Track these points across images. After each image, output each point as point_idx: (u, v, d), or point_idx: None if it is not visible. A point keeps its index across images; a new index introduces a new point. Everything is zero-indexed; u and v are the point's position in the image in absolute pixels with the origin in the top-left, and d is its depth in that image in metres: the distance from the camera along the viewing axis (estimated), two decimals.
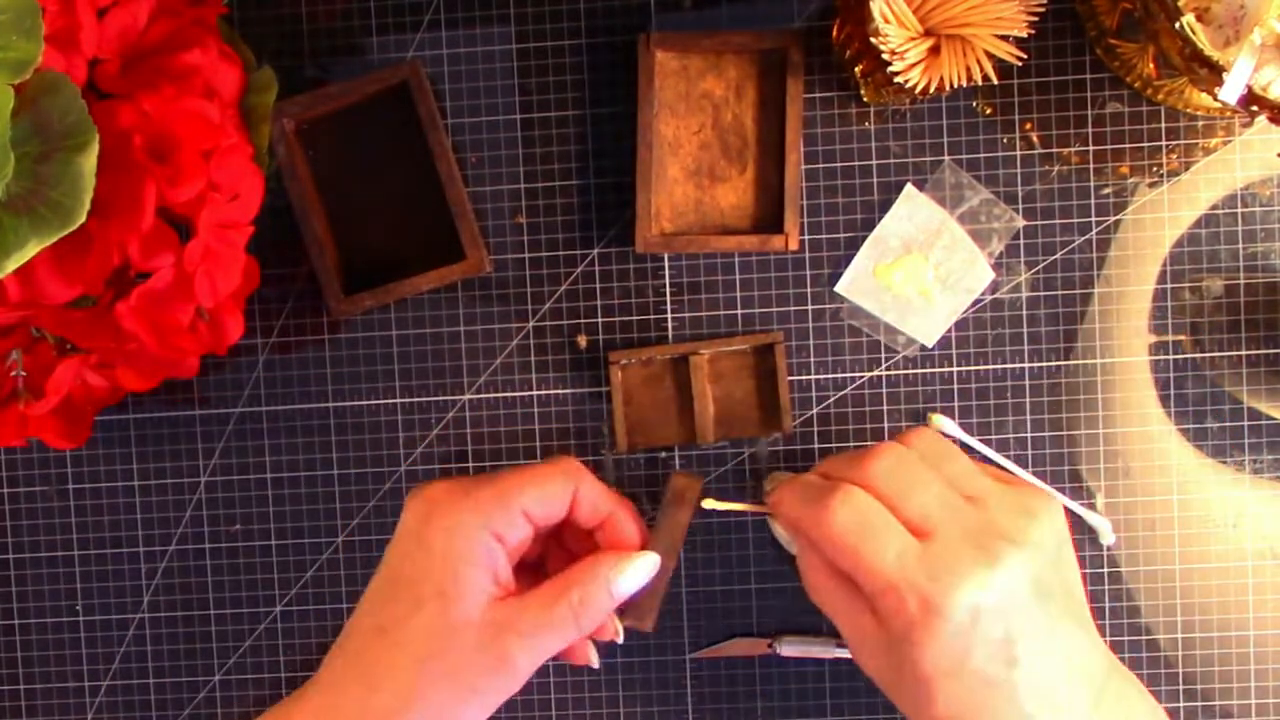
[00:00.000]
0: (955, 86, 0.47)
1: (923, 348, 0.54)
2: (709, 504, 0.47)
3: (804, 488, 0.45)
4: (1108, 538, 0.53)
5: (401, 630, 0.42)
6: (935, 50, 0.47)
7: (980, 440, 0.53)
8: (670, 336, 0.54)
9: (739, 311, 0.54)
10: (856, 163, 0.53)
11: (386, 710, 0.41)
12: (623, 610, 0.46)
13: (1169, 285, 0.53)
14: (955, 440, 0.53)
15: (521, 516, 0.43)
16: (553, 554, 0.49)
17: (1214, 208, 0.53)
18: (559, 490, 0.44)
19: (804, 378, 0.54)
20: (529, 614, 0.42)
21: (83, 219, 0.40)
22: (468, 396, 0.55)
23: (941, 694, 0.41)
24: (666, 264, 0.54)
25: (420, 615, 0.41)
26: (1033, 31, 0.47)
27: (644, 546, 0.46)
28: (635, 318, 0.54)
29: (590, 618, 0.43)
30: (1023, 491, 0.45)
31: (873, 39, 0.46)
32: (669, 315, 0.54)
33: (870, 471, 0.43)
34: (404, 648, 0.41)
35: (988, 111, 0.53)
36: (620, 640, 0.47)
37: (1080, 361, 0.53)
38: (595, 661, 0.47)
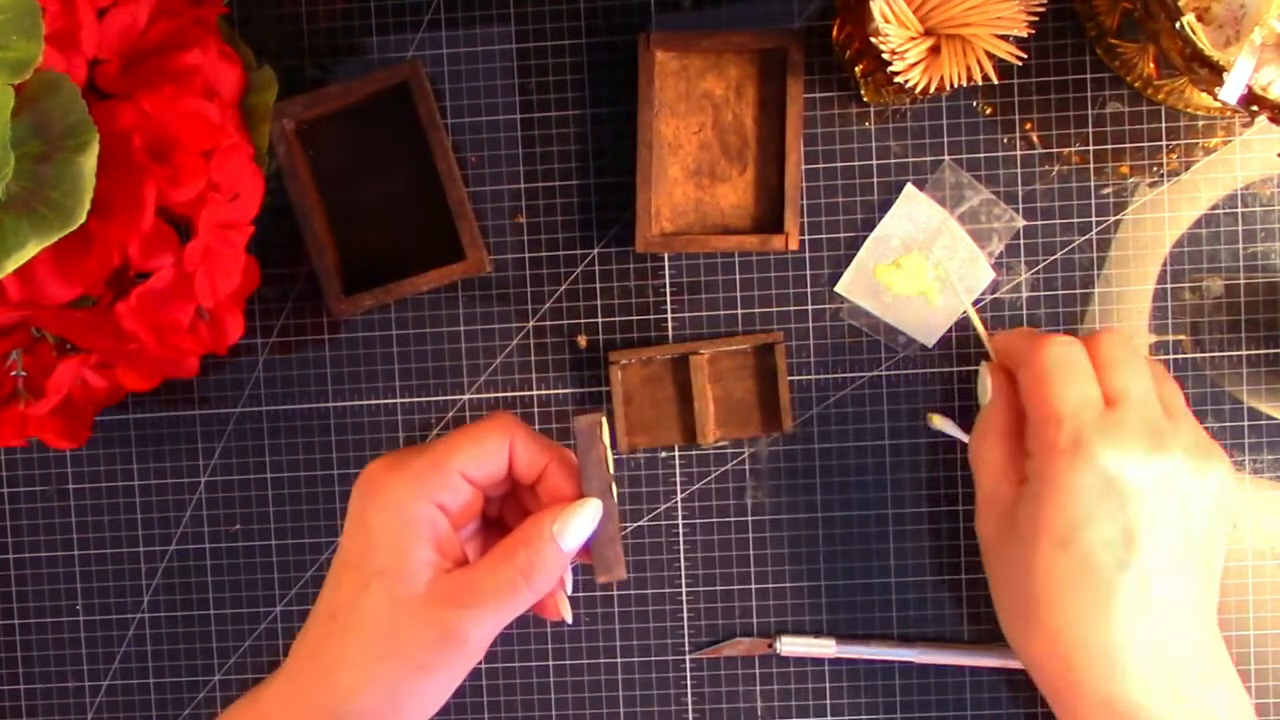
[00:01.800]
0: (955, 86, 0.47)
1: (923, 348, 0.54)
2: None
3: (1021, 337, 0.48)
4: None
5: (350, 614, 0.42)
6: (935, 50, 0.47)
7: None
8: (670, 336, 0.54)
9: (739, 311, 0.54)
10: (856, 163, 0.53)
11: (343, 693, 0.41)
12: (593, 569, 0.45)
13: (1169, 285, 0.53)
14: (955, 440, 0.53)
15: (460, 480, 0.43)
16: (510, 514, 0.48)
17: (1214, 208, 0.53)
18: (493, 448, 0.43)
19: (804, 378, 0.54)
20: (477, 584, 0.41)
21: (83, 219, 0.40)
22: (468, 396, 0.55)
23: (1042, 560, 0.42)
24: (666, 264, 0.54)
25: (365, 596, 0.41)
26: (1033, 31, 0.47)
27: (580, 495, 0.44)
28: (635, 318, 0.54)
29: (542, 578, 0.42)
30: (1215, 446, 0.46)
31: (873, 39, 0.46)
32: (669, 315, 0.54)
33: (1098, 340, 0.46)
34: (354, 630, 0.41)
35: (988, 111, 0.53)
36: (569, 590, 0.46)
37: None
38: (569, 615, 0.46)
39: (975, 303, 0.53)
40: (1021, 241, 0.53)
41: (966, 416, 0.53)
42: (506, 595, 0.41)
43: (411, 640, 0.41)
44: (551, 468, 0.44)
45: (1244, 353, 0.53)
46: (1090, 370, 0.45)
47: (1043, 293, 0.53)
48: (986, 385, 0.49)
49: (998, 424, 0.47)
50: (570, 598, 0.54)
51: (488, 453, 0.43)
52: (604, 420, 0.44)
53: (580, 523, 0.43)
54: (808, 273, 0.54)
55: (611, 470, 0.44)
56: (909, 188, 0.53)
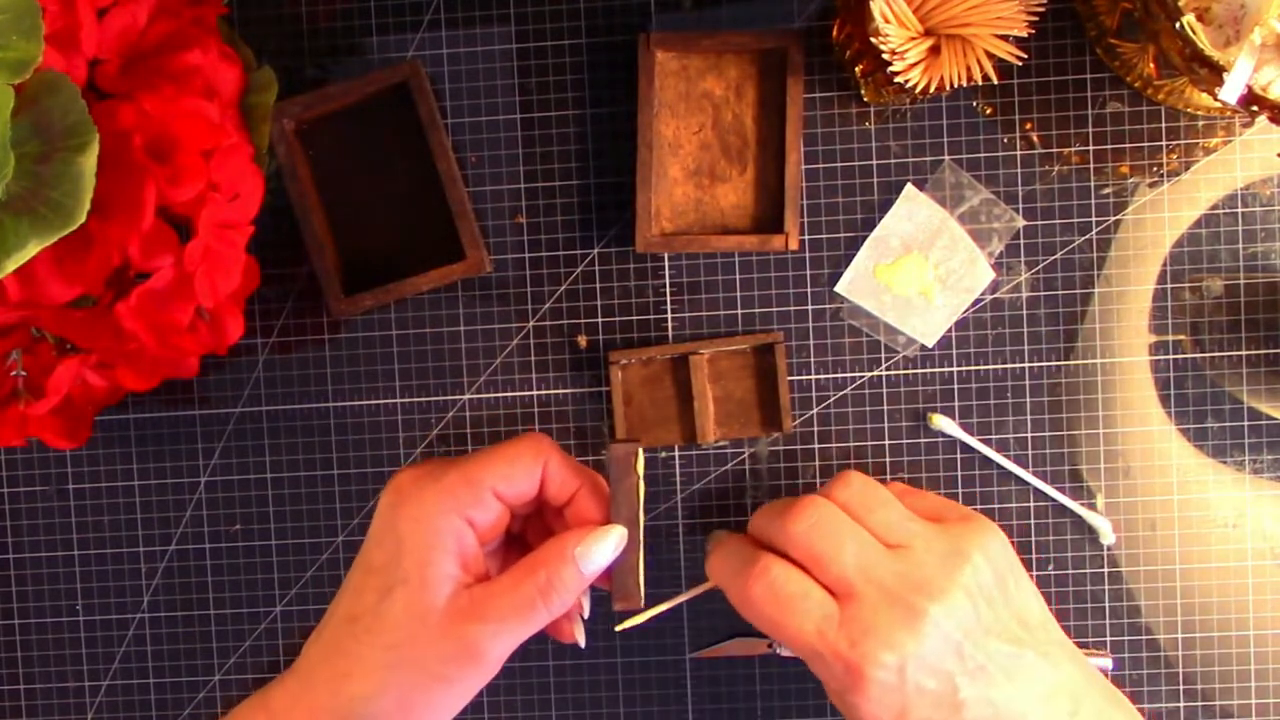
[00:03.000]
0: (955, 86, 0.47)
1: (923, 348, 0.54)
2: (633, 622, 0.47)
3: (731, 556, 0.45)
4: (1108, 538, 0.53)
5: (370, 618, 0.42)
6: (935, 50, 0.47)
7: (980, 440, 0.53)
8: (670, 336, 0.54)
9: (739, 311, 0.54)
10: (856, 163, 0.53)
11: (356, 696, 0.41)
12: (611, 595, 0.45)
13: (1169, 285, 0.53)
14: (955, 440, 0.53)
15: (491, 497, 0.43)
16: (533, 532, 0.48)
17: (1214, 208, 0.53)
18: (527, 468, 0.44)
19: (804, 378, 0.54)
20: (496, 600, 0.41)
21: (83, 219, 0.40)
22: (468, 396, 0.55)
23: None
24: (666, 264, 0.54)
25: (387, 603, 0.41)
26: (1033, 31, 0.47)
27: (607, 521, 0.45)
28: (635, 318, 0.54)
29: (560, 598, 0.42)
30: (954, 530, 0.45)
31: (873, 39, 0.46)
32: (669, 315, 0.54)
33: (790, 534, 0.43)
34: (372, 635, 0.41)
35: (988, 111, 0.53)
36: (586, 615, 0.46)
37: (1080, 361, 0.53)
38: (582, 640, 0.47)
39: (975, 302, 0.53)
40: (1021, 241, 0.53)
41: (967, 416, 0.53)
42: (525, 613, 0.42)
43: (428, 651, 0.41)
44: (582, 492, 0.45)
45: (1244, 353, 0.53)
46: (801, 581, 0.43)
47: (1043, 293, 0.53)
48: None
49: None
50: None
51: (521, 473, 0.43)
52: (640, 451, 0.44)
53: (603, 548, 0.43)
54: (808, 273, 0.54)
55: (642, 502, 0.44)
56: (909, 188, 0.53)
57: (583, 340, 0.55)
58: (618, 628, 0.46)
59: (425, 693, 0.41)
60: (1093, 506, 0.53)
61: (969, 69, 0.47)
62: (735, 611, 0.54)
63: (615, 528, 0.44)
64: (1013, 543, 0.53)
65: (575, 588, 0.43)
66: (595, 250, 0.54)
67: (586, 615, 0.46)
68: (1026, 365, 0.53)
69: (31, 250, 0.39)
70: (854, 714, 0.42)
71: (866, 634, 0.41)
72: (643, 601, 0.45)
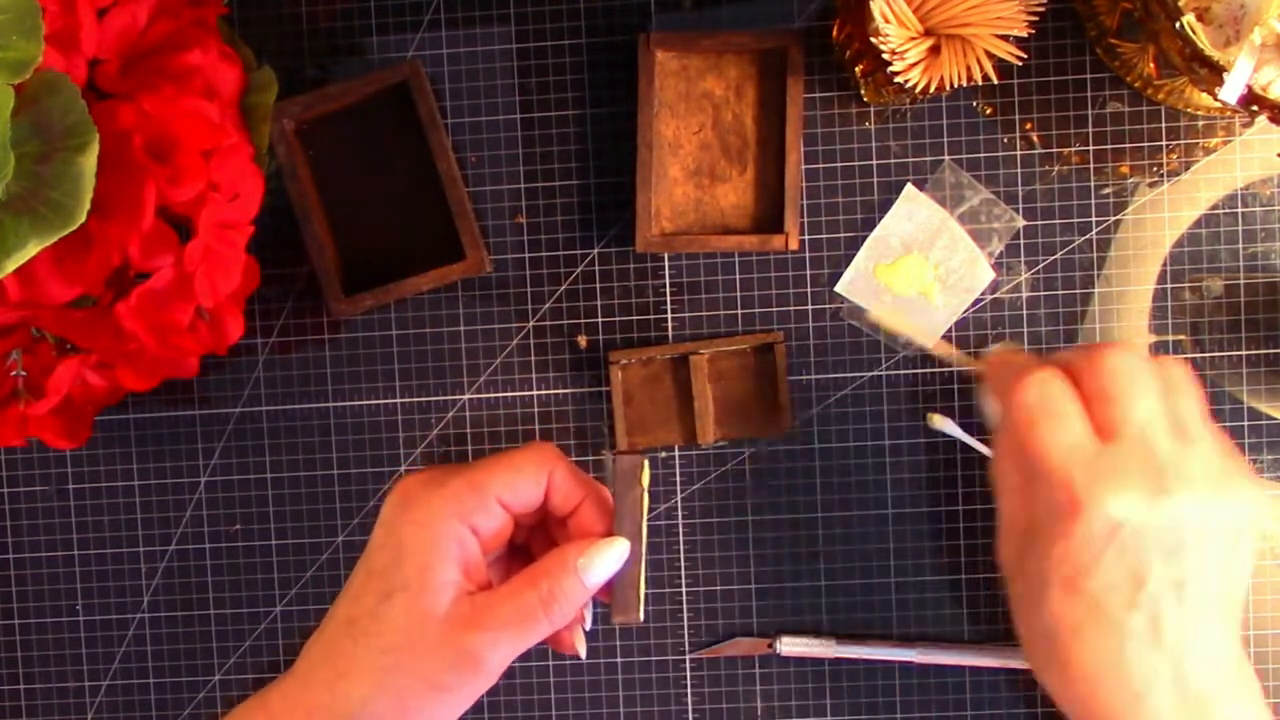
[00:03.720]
0: (955, 86, 0.47)
1: (923, 347, 0.54)
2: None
3: (1018, 358, 0.44)
4: None
5: (370, 621, 0.42)
6: (935, 50, 0.47)
7: (980, 440, 0.53)
8: (670, 336, 0.54)
9: (739, 311, 0.54)
10: (856, 163, 0.53)
11: (353, 698, 0.41)
12: (609, 608, 0.45)
13: (1169, 285, 0.53)
14: (955, 440, 0.53)
15: (495, 504, 0.43)
16: (536, 543, 0.48)
17: (1214, 208, 0.53)
18: (532, 476, 0.43)
19: (804, 378, 0.54)
20: (497, 609, 0.41)
21: (83, 219, 0.40)
22: (468, 396, 0.55)
23: (1052, 604, 0.40)
24: (666, 264, 0.54)
25: (387, 607, 0.41)
26: (1033, 31, 0.47)
27: (610, 533, 0.44)
28: (635, 318, 0.54)
29: (562, 610, 0.42)
30: (1236, 466, 0.42)
31: (873, 39, 0.46)
32: (669, 315, 0.54)
33: (1098, 360, 0.42)
34: (370, 638, 0.41)
35: (988, 111, 0.53)
36: (588, 627, 0.46)
37: None
38: (583, 652, 0.46)
39: (975, 302, 0.53)
40: (1021, 241, 0.53)
41: (967, 416, 0.53)
42: (525, 623, 0.41)
43: (427, 658, 0.41)
44: (586, 504, 0.44)
45: (1244, 353, 0.53)
46: (1074, 407, 0.42)
47: (1043, 293, 0.53)
48: (993, 408, 0.48)
49: (1007, 442, 0.44)
50: None
51: (526, 481, 0.43)
52: (646, 464, 0.44)
53: (606, 560, 0.43)
54: (808, 273, 0.54)
55: (646, 515, 0.44)
56: (909, 188, 0.53)
57: (583, 340, 0.55)
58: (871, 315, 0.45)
59: (422, 699, 0.41)
60: None
61: (969, 69, 0.47)
62: (736, 611, 0.54)
63: (619, 540, 0.43)
64: None
65: (577, 599, 0.42)
66: (595, 250, 0.54)
67: (588, 627, 0.46)
68: None
69: (31, 250, 0.39)
70: (1038, 553, 0.41)
71: (1110, 475, 0.40)
72: (642, 615, 0.45)
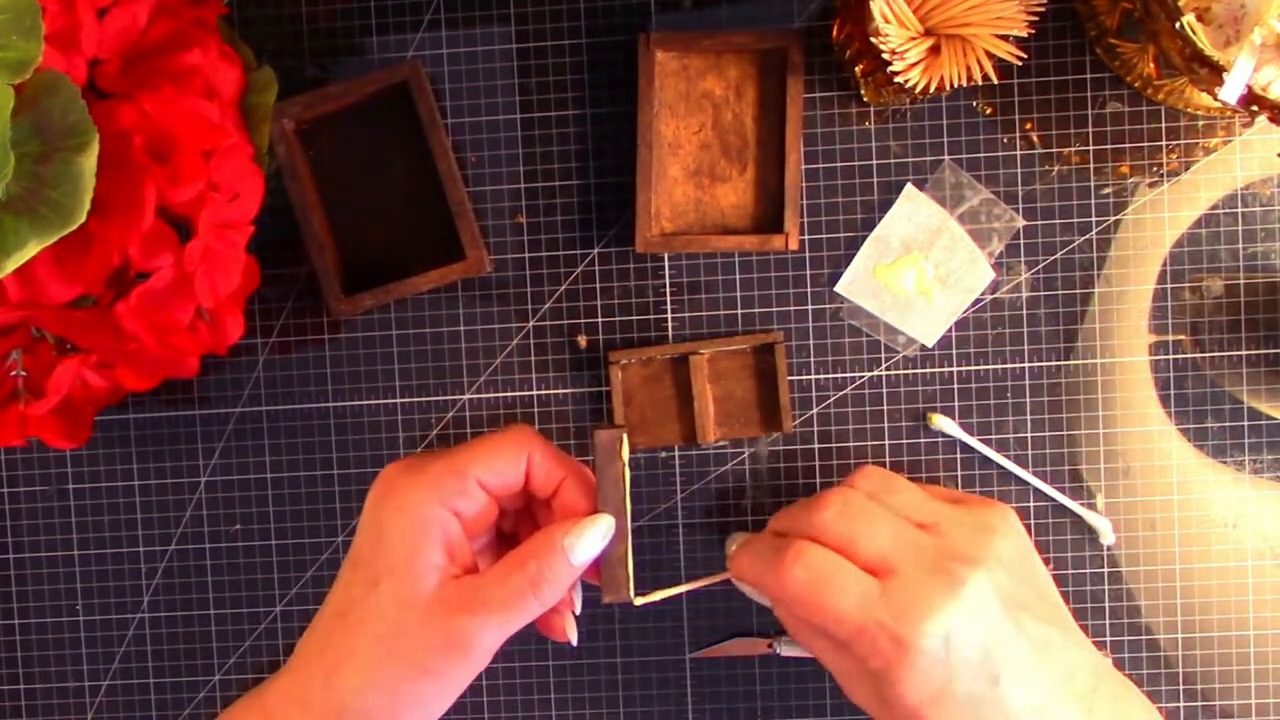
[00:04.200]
0: (955, 86, 0.47)
1: (923, 348, 0.54)
2: (650, 598, 0.46)
3: (759, 550, 0.45)
4: (1108, 538, 0.53)
5: (358, 611, 0.42)
6: (935, 50, 0.47)
7: (980, 440, 0.53)
8: (670, 336, 0.54)
9: (739, 311, 0.54)
10: (856, 163, 0.53)
11: (346, 689, 0.41)
12: (600, 589, 0.45)
13: (1169, 285, 0.53)
14: (955, 440, 0.53)
15: (476, 487, 0.43)
16: (524, 529, 0.48)
17: (1214, 208, 0.53)
18: (511, 458, 0.44)
19: (804, 378, 0.54)
20: (485, 591, 0.41)
21: (83, 219, 0.40)
22: (468, 396, 0.55)
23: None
24: (666, 264, 0.54)
25: (374, 595, 0.41)
26: (1033, 31, 0.47)
27: (594, 511, 0.44)
28: (635, 318, 0.54)
29: (551, 589, 0.42)
30: (976, 509, 0.45)
31: (873, 39, 0.46)
32: (669, 315, 0.54)
33: (819, 521, 0.43)
34: (361, 628, 0.41)
35: (988, 111, 0.53)
36: (578, 611, 0.46)
37: (1080, 361, 0.53)
38: (574, 638, 0.46)
39: (975, 302, 0.53)
40: (1021, 241, 0.53)
41: (966, 416, 0.53)
42: (514, 604, 0.41)
43: (417, 643, 0.41)
44: (568, 483, 0.44)
45: (1244, 353, 0.53)
46: (838, 561, 0.42)
47: (1043, 293, 0.53)
48: (753, 593, 0.49)
49: (794, 619, 0.45)
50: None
51: (505, 462, 0.43)
52: (624, 437, 0.44)
53: (592, 537, 0.43)
54: (808, 273, 0.54)
55: (628, 488, 0.44)
56: (909, 188, 0.53)
57: (583, 340, 0.55)
58: (636, 601, 0.45)
59: (413, 685, 0.41)
60: (1093, 506, 0.53)
61: (969, 69, 0.47)
62: (736, 611, 0.54)
63: (603, 516, 0.43)
64: None
65: (565, 579, 0.42)
66: (595, 250, 0.54)
67: (578, 611, 0.46)
68: (1026, 365, 0.53)
69: (31, 250, 0.39)
70: (893, 691, 0.42)
71: (911, 604, 0.41)
72: (632, 593, 0.44)
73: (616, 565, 0.44)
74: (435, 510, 0.42)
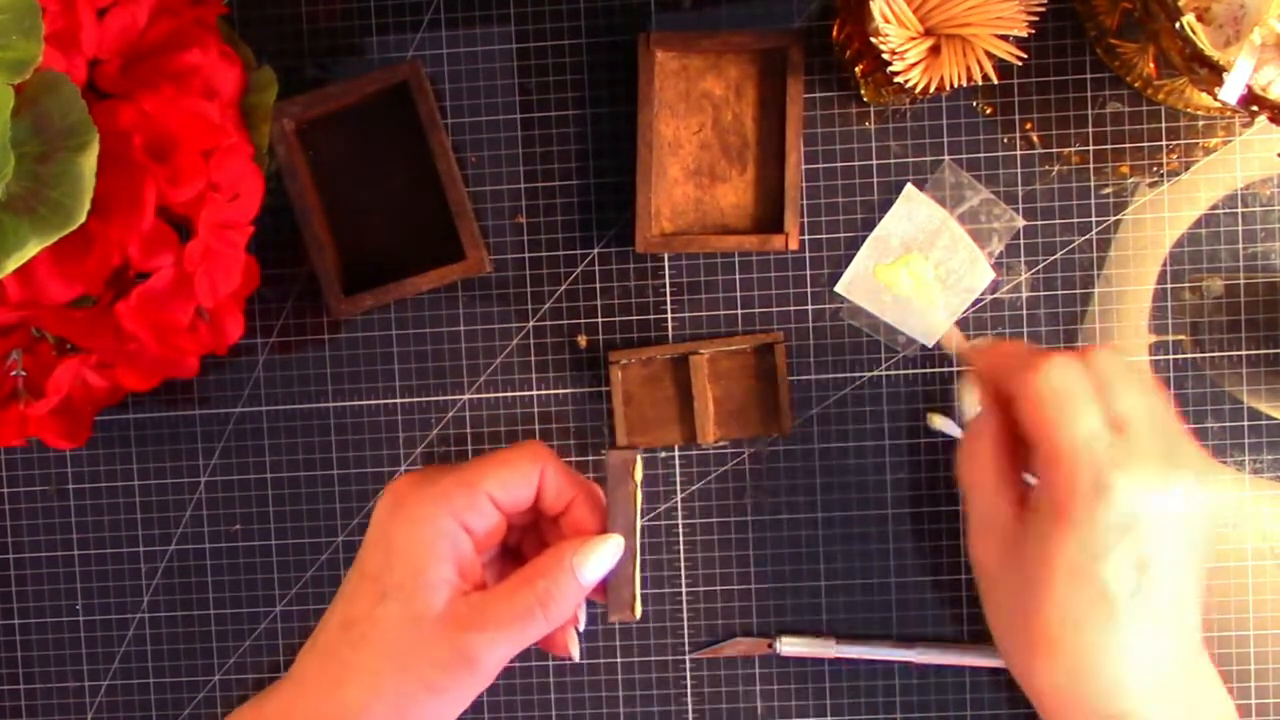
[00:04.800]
0: (955, 86, 0.47)
1: (923, 348, 0.54)
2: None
3: (1012, 354, 0.44)
4: None
5: (364, 624, 0.41)
6: (935, 50, 0.47)
7: None
8: (670, 336, 0.54)
9: (739, 311, 0.54)
10: (856, 163, 0.53)
11: (350, 706, 0.41)
12: (605, 605, 0.45)
13: (1169, 285, 0.53)
14: (955, 440, 0.53)
15: (488, 502, 0.43)
16: (529, 545, 0.48)
17: (1214, 208, 0.53)
18: (524, 474, 0.43)
19: (804, 378, 0.54)
20: (493, 608, 0.41)
21: (83, 219, 0.40)
22: (468, 396, 0.55)
23: (1055, 593, 0.41)
24: (666, 264, 0.54)
25: (382, 609, 0.41)
26: (1033, 31, 0.47)
27: (603, 530, 0.44)
28: (635, 318, 0.54)
29: (558, 608, 0.42)
30: (1207, 457, 0.45)
31: (873, 39, 0.46)
32: (669, 315, 0.54)
33: (1090, 356, 0.43)
34: (367, 642, 0.41)
35: (988, 111, 0.53)
36: (581, 628, 0.46)
37: None
38: (576, 654, 0.46)
39: (975, 302, 0.53)
40: (1021, 241, 0.53)
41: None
42: (522, 622, 0.41)
43: (423, 659, 0.41)
44: (578, 500, 0.44)
45: (1244, 353, 0.53)
46: (1093, 396, 0.42)
47: (1043, 293, 0.53)
48: (972, 400, 0.48)
49: (989, 443, 0.44)
50: None
51: (518, 478, 0.43)
52: (639, 459, 0.44)
53: (601, 557, 0.43)
54: (808, 273, 0.54)
55: (639, 510, 0.44)
56: (909, 188, 0.53)
57: (583, 340, 0.55)
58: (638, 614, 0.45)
59: (418, 702, 0.41)
60: None
61: (969, 69, 0.47)
62: (736, 611, 0.54)
63: (612, 537, 0.43)
64: None
65: (573, 597, 0.42)
66: (595, 250, 0.54)
67: (582, 628, 0.46)
68: None
69: (31, 250, 0.39)
70: (1048, 540, 0.41)
71: (1130, 463, 0.41)
72: (638, 613, 0.44)
73: (624, 585, 0.44)
74: (446, 525, 0.42)
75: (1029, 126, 0.53)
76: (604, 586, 0.44)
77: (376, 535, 0.43)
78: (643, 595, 0.43)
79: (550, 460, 0.44)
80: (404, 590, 0.41)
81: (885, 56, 0.46)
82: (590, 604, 0.47)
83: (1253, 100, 0.43)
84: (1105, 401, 0.42)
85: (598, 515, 0.44)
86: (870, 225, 0.53)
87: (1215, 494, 0.44)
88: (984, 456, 0.44)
